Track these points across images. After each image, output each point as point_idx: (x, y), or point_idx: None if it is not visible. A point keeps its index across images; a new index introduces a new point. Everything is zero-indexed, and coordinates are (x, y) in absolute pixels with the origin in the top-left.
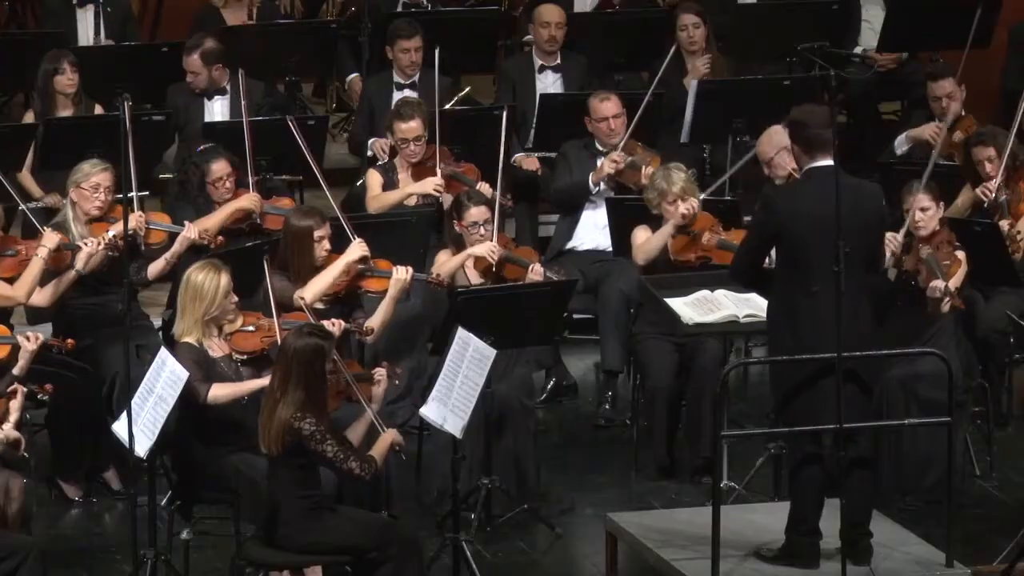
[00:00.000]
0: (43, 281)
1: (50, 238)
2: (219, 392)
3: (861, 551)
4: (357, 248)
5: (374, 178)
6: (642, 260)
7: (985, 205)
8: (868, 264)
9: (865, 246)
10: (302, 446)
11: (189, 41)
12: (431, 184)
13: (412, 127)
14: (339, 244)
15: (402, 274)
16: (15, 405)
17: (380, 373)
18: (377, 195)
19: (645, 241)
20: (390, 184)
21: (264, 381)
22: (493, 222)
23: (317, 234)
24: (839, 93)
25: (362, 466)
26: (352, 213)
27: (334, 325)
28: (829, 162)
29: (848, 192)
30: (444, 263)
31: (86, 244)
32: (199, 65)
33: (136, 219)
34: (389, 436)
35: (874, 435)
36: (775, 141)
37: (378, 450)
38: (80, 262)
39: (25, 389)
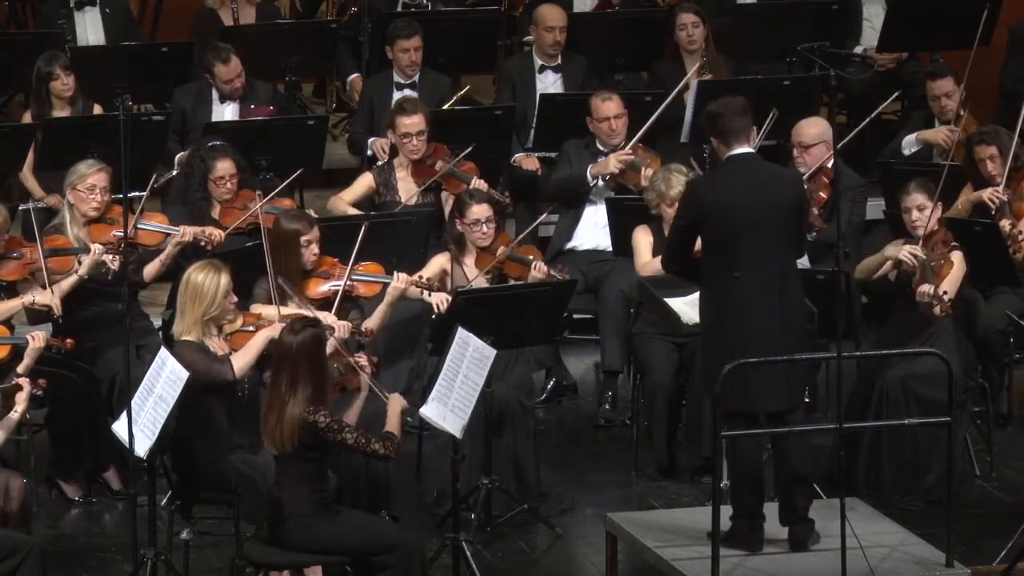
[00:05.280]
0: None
1: (43, 296)
2: (242, 361)
3: (797, 533)
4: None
5: (362, 181)
6: (648, 274)
7: (993, 212)
8: (792, 248)
9: (785, 231)
10: (318, 439)
11: (224, 48)
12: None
13: (415, 121)
14: (335, 247)
15: (400, 282)
16: (21, 396)
17: (362, 357)
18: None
19: (654, 261)
20: (387, 185)
21: (267, 332)
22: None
23: (305, 238)
24: (839, 93)
25: (386, 445)
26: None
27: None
28: (748, 149)
29: (766, 178)
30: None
31: (94, 250)
32: (242, 69)
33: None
34: (396, 404)
35: (874, 435)
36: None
37: (392, 424)
38: (84, 268)
39: (30, 383)
